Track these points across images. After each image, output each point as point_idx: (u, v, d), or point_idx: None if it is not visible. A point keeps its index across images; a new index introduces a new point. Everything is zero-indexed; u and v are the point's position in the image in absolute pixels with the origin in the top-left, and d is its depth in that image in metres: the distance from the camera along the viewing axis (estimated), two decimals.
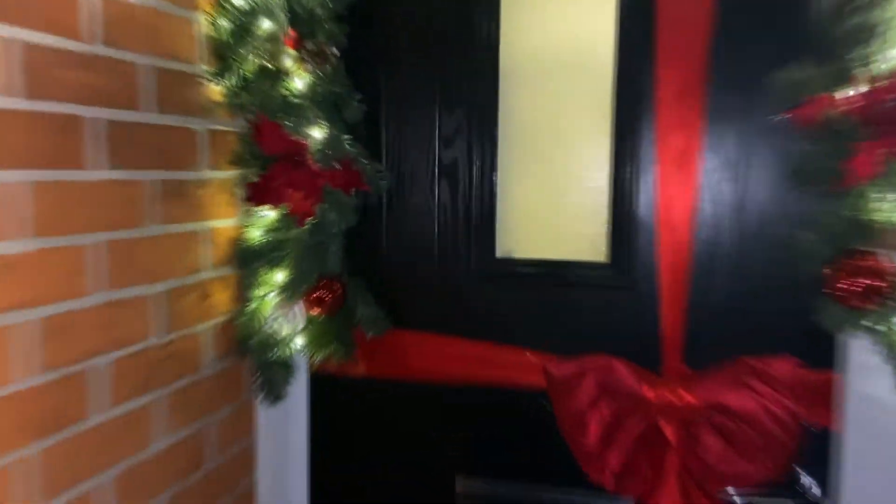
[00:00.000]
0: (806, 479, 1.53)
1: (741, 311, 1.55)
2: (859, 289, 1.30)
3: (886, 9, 1.15)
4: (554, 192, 1.72)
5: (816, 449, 1.50)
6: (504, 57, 1.69)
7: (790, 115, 1.28)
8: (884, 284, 1.28)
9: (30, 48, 1.16)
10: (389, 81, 1.75)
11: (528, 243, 1.74)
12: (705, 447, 1.47)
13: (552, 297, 1.67)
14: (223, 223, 1.65)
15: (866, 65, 1.17)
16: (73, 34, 1.24)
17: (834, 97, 1.22)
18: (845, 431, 1.45)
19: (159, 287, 1.46)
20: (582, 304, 1.65)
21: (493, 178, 1.71)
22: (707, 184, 1.54)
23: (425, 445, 1.78)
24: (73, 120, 1.25)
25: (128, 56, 1.36)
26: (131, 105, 1.37)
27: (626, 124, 1.60)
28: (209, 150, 1.59)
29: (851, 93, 1.21)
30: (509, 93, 1.71)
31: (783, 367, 1.47)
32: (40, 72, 1.18)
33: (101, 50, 1.30)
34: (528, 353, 1.63)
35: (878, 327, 1.31)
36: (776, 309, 1.52)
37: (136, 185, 1.39)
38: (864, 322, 1.32)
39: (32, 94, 1.17)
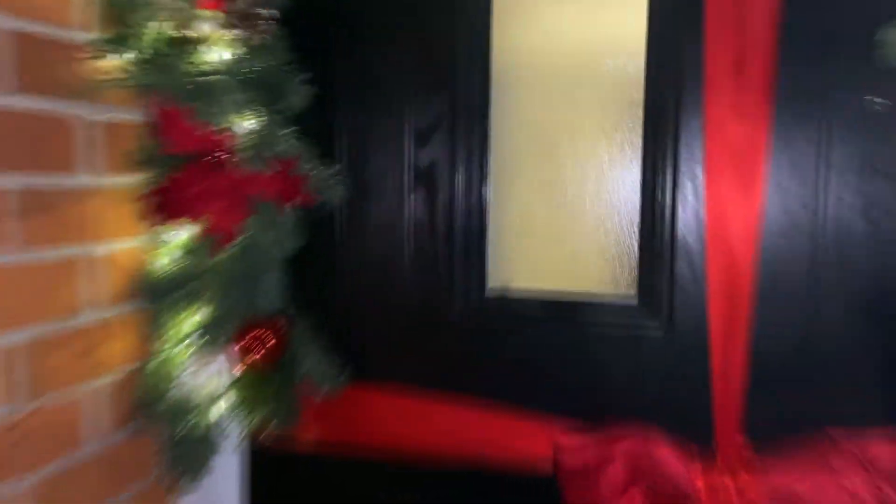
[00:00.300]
0: None
1: (824, 363, 1.14)
2: None
3: None
4: (564, 205, 1.30)
5: None
6: (499, 35, 1.29)
7: None
8: None
9: None
10: (348, 58, 1.34)
11: (530, 273, 1.32)
12: None
13: (562, 344, 1.26)
14: (117, 246, 1.22)
15: None
16: None
17: None
18: None
19: (15, 337, 1.04)
20: (602, 355, 1.24)
21: (484, 188, 1.30)
22: (776, 191, 1.13)
23: None
24: None
25: None
26: None
27: (660, 113, 1.19)
28: (97, 148, 1.17)
29: None
30: (505, 81, 1.30)
31: (885, 445, 1.06)
32: None
33: None
34: (529, 419, 1.21)
35: None
36: (876, 361, 1.11)
37: None
38: None
39: None
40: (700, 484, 1.10)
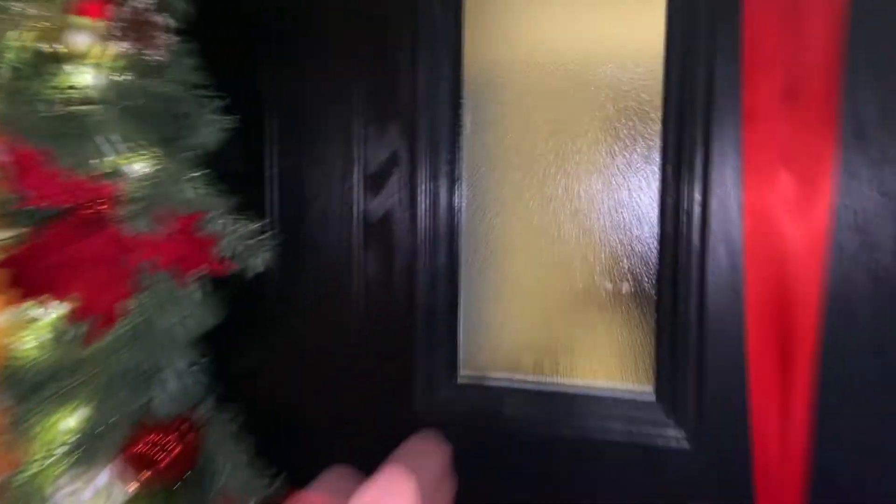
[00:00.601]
0: None
1: None
2: None
3: None
4: (556, 253, 1.01)
5: None
6: (470, 53, 1.01)
7: None
8: None
9: None
10: (281, 81, 1.05)
11: (516, 356, 1.03)
12: None
13: (554, 450, 0.96)
14: None
15: None
16: None
17: None
18: None
19: None
20: (608, 469, 0.94)
21: (456, 243, 1.01)
22: (845, 235, 0.85)
23: None
24: None
25: None
26: None
27: (680, 129, 0.91)
28: None
29: None
30: (480, 107, 1.01)
31: None
32: None
33: None
34: None
35: None
36: None
37: None
38: None
39: None
40: None
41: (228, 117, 0.95)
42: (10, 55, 0.86)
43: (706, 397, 0.91)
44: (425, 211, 1.02)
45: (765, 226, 0.86)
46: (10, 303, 0.91)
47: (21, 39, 0.86)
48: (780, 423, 0.86)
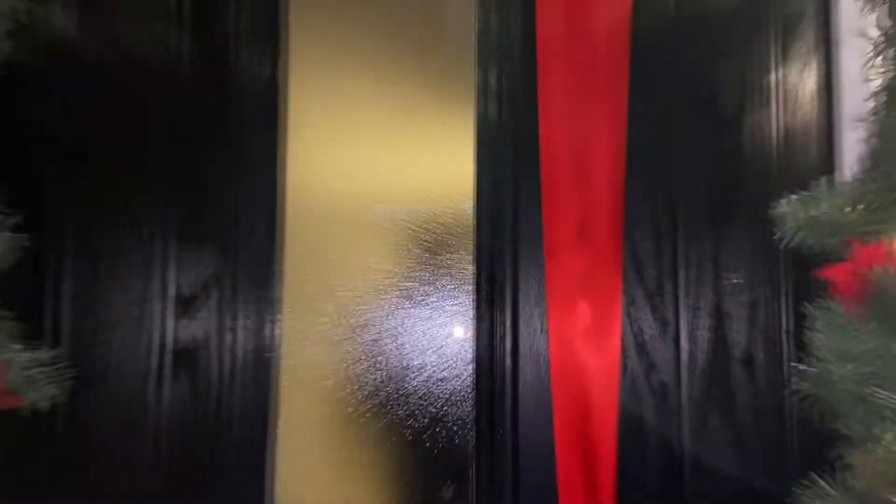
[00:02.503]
0: None
1: None
2: None
3: None
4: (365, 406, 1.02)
5: None
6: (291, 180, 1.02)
7: (816, 277, 0.75)
8: None
9: None
10: (80, 200, 0.97)
11: (330, 490, 0.99)
12: None
13: None
14: None
15: None
16: None
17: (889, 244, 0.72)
18: None
19: None
20: None
21: (267, 379, 0.98)
22: (632, 385, 0.96)
23: None
24: None
25: None
26: None
27: (491, 262, 0.99)
28: None
29: None
30: (297, 234, 1.02)
31: None
32: None
33: None
34: None
35: None
36: None
37: None
38: None
39: None
40: None
41: (21, 235, 0.86)
42: None
43: None
44: (244, 334, 0.98)
45: (567, 348, 0.96)
46: None
47: None
48: None
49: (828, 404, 0.78)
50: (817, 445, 0.78)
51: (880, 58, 0.76)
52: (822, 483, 0.79)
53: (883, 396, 0.70)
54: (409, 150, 1.05)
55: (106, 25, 1.01)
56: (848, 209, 0.75)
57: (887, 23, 0.76)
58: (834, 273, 0.75)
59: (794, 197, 0.77)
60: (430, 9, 1.07)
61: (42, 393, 0.86)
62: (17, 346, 0.84)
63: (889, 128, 0.76)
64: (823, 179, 0.77)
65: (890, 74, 0.77)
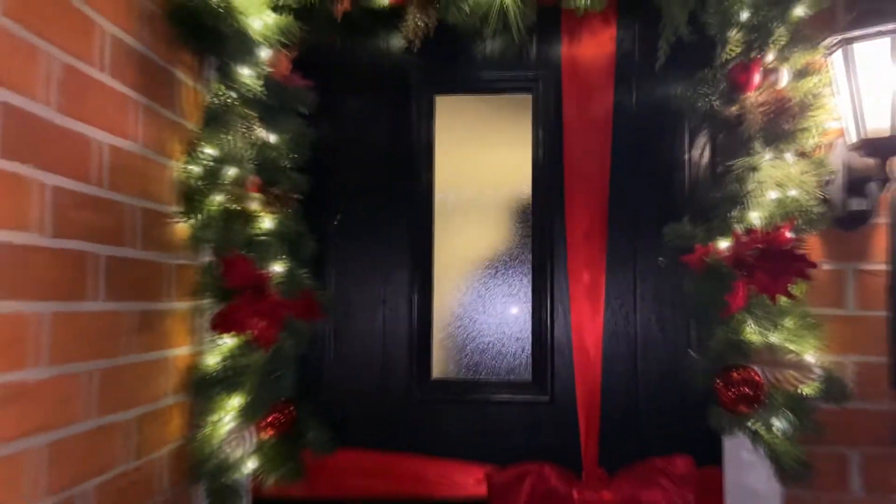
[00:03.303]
0: None
1: (646, 420, 1.86)
2: (738, 396, 1.64)
3: (747, 183, 1.58)
4: (483, 318, 1.98)
5: None
6: (438, 201, 1.99)
7: (681, 260, 1.65)
8: (756, 393, 1.63)
9: (55, 191, 1.28)
10: (340, 222, 1.97)
11: (461, 365, 1.97)
12: None
13: (484, 413, 1.90)
14: (181, 351, 1.74)
15: (735, 222, 1.58)
16: (85, 178, 1.37)
17: (712, 247, 1.61)
18: None
19: (132, 414, 1.52)
20: (510, 419, 1.89)
21: (430, 308, 1.95)
22: (611, 314, 1.88)
23: None
24: (81, 256, 1.35)
25: (121, 197, 1.49)
26: (120, 241, 1.49)
27: (543, 261, 1.92)
28: (174, 283, 1.71)
29: (725, 244, 1.60)
30: (442, 231, 1.99)
31: (682, 465, 1.78)
32: (62, 212, 1.29)
33: (103, 193, 1.42)
34: (467, 465, 1.82)
35: (754, 428, 1.65)
36: (675, 418, 1.85)
37: (121, 316, 1.48)
38: (743, 424, 1.65)
39: (56, 233, 1.27)
40: (576, 496, 1.75)
41: (314, 244, 1.86)
42: (218, 208, 1.72)
43: (556, 382, 1.89)
44: (416, 290, 1.96)
45: (577, 309, 1.88)
46: (212, 335, 1.73)
47: (223, 202, 1.73)
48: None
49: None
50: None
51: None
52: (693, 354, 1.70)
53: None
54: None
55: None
56: (698, 229, 1.64)
57: None
58: (689, 258, 1.64)
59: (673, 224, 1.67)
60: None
61: (330, 314, 1.87)
62: (319, 292, 1.84)
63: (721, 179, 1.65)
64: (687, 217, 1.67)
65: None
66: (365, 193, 1.98)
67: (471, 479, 1.82)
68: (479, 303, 1.99)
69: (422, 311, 1.95)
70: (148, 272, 1.59)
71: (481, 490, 1.80)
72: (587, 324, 1.86)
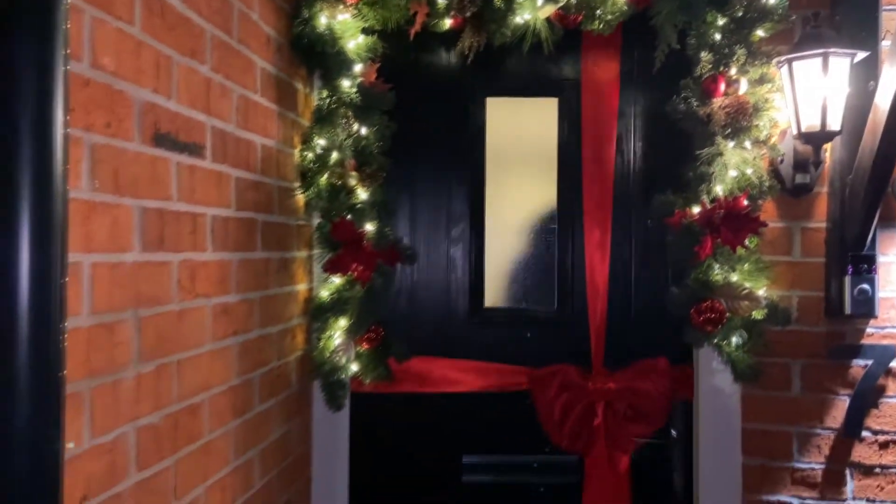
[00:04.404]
0: (673, 431, 2.50)
1: (638, 335, 2.52)
2: (705, 320, 2.27)
3: (714, 165, 2.17)
4: (523, 262, 2.63)
5: (682, 413, 2.47)
6: (488, 172, 2.62)
7: (664, 221, 2.26)
8: (719, 317, 2.26)
9: (237, 180, 1.94)
10: (413, 181, 2.62)
11: (506, 296, 2.63)
12: (621, 414, 2.41)
13: (523, 331, 2.57)
14: (302, 287, 2.43)
15: (704, 193, 2.18)
16: (251, 169, 2.03)
17: (688, 211, 2.22)
18: (698, 403, 2.42)
19: (276, 328, 2.22)
20: (542, 335, 2.56)
21: (483, 248, 2.61)
22: (614, 260, 2.52)
23: (437, 436, 2.59)
24: (250, 221, 2.02)
25: (268, 180, 2.15)
26: (269, 210, 2.16)
27: (566, 222, 2.56)
28: (298, 238, 2.38)
29: (697, 209, 2.21)
30: (491, 196, 2.62)
31: (663, 364, 2.45)
32: (240, 193, 1.95)
33: (259, 178, 2.09)
34: (512, 367, 2.51)
35: (717, 342, 2.28)
36: (659, 334, 2.50)
37: (270, 262, 2.16)
38: (710, 339, 2.29)
39: (238, 207, 1.94)
40: (589, 386, 2.43)
41: (395, 206, 2.52)
42: (326, 183, 2.38)
43: (574, 305, 2.54)
44: (474, 234, 2.64)
45: (590, 256, 2.52)
46: (324, 275, 2.41)
47: (329, 178, 2.39)
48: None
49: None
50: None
51: None
52: (674, 290, 2.33)
53: None
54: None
55: None
56: (677, 198, 2.24)
57: None
58: (670, 220, 2.25)
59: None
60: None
61: (410, 258, 2.53)
62: (402, 244, 2.49)
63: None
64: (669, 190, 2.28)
65: None
66: (434, 168, 2.62)
67: (517, 377, 2.50)
68: (519, 252, 2.64)
69: (476, 256, 2.60)
70: (282, 231, 2.27)
71: (524, 384, 2.50)
72: (597, 267, 2.50)
